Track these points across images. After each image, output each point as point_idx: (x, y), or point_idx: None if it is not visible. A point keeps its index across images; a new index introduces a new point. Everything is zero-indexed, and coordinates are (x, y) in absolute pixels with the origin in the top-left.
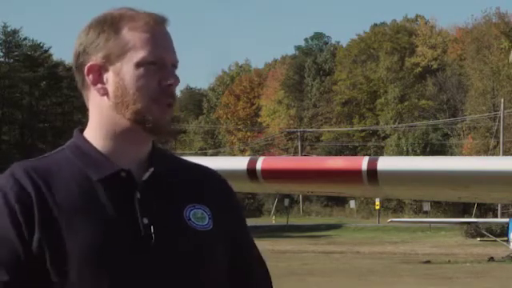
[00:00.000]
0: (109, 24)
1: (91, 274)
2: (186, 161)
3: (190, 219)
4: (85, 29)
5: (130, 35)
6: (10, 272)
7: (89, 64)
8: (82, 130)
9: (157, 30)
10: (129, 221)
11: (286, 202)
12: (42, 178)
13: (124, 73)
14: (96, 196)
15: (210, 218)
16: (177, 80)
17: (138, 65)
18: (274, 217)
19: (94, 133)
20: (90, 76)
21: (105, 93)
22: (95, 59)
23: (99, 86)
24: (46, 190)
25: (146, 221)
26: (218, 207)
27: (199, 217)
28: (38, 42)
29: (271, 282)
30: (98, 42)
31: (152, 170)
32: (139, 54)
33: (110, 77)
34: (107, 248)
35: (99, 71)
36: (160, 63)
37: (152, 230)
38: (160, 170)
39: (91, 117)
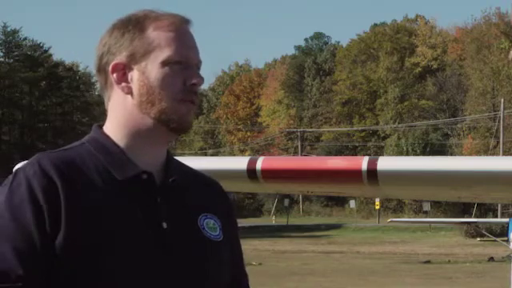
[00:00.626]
0: (133, 24)
1: (111, 272)
2: (192, 169)
3: (204, 228)
4: (108, 29)
5: (156, 34)
6: (25, 265)
7: (113, 63)
8: (100, 126)
9: (182, 29)
10: (149, 223)
11: (286, 202)
12: (69, 170)
13: (149, 71)
14: (119, 195)
15: (220, 229)
16: (201, 79)
17: (164, 63)
18: (274, 217)
19: (115, 132)
20: (115, 75)
21: (129, 91)
22: (120, 58)
23: (123, 84)
24: (72, 183)
25: (165, 225)
26: (223, 217)
27: (211, 227)
28: (38, 42)
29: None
30: (122, 41)
31: (174, 176)
32: (165, 53)
33: (134, 75)
34: (128, 249)
35: (124, 70)
36: (185, 63)
37: (171, 235)
38: (179, 175)
39: (112, 116)
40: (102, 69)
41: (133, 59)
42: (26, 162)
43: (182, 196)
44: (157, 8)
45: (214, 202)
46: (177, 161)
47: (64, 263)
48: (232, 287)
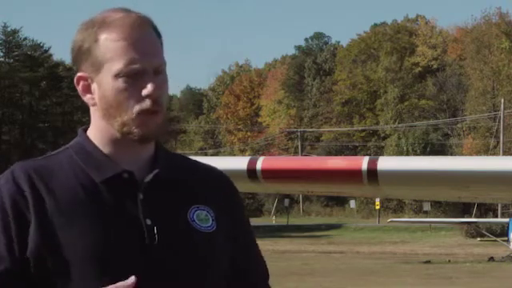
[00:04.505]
0: (89, 32)
1: (93, 275)
2: (189, 159)
3: (193, 220)
4: (75, 33)
5: (107, 45)
6: None
7: (77, 75)
8: (86, 130)
9: (134, 35)
10: (132, 222)
11: (286, 202)
12: (43, 179)
13: (105, 85)
14: (99, 197)
15: (213, 220)
16: (157, 86)
17: (116, 76)
18: (274, 217)
19: (96, 135)
20: (79, 87)
21: (94, 103)
22: (82, 69)
23: (88, 96)
24: (45, 192)
25: (148, 222)
26: (221, 207)
27: (203, 218)
28: (38, 41)
29: (268, 279)
30: (82, 50)
31: (156, 171)
32: (116, 66)
33: (95, 88)
34: (110, 249)
35: (86, 81)
36: (140, 72)
37: (155, 231)
38: (164, 170)
39: (91, 121)
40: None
41: (93, 71)
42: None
43: (171, 190)
44: (132, 6)
45: (211, 192)
46: (170, 155)
47: (39, 268)
48: (237, 276)
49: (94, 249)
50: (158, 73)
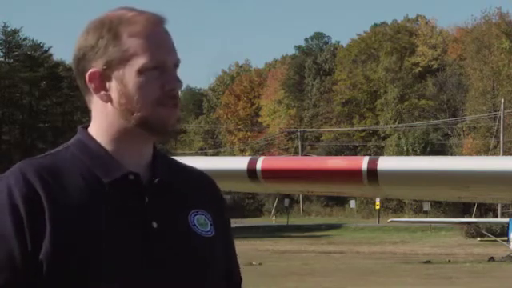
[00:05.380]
0: (107, 29)
1: (101, 274)
2: (181, 163)
3: (194, 225)
4: (83, 33)
5: (130, 41)
6: (4, 274)
7: (90, 71)
8: (85, 128)
9: (156, 32)
10: (135, 223)
11: (286, 202)
12: (52, 177)
13: (127, 80)
14: (106, 198)
15: (211, 224)
16: (179, 83)
17: (140, 72)
18: (274, 217)
19: (99, 135)
20: (92, 84)
21: (108, 99)
22: (96, 66)
23: (102, 93)
24: (56, 190)
25: (155, 225)
26: (215, 211)
27: (202, 223)
28: (38, 41)
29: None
30: (97, 48)
31: (161, 174)
32: (140, 61)
33: (112, 84)
34: (117, 250)
35: (101, 78)
36: (162, 67)
37: (162, 234)
38: (166, 173)
39: (95, 120)
40: (79, 73)
41: (109, 67)
42: (8, 170)
43: (171, 194)
44: (134, 6)
45: (205, 196)
46: (165, 158)
47: (51, 270)
48: (227, 278)
49: (98, 249)
50: (177, 67)
